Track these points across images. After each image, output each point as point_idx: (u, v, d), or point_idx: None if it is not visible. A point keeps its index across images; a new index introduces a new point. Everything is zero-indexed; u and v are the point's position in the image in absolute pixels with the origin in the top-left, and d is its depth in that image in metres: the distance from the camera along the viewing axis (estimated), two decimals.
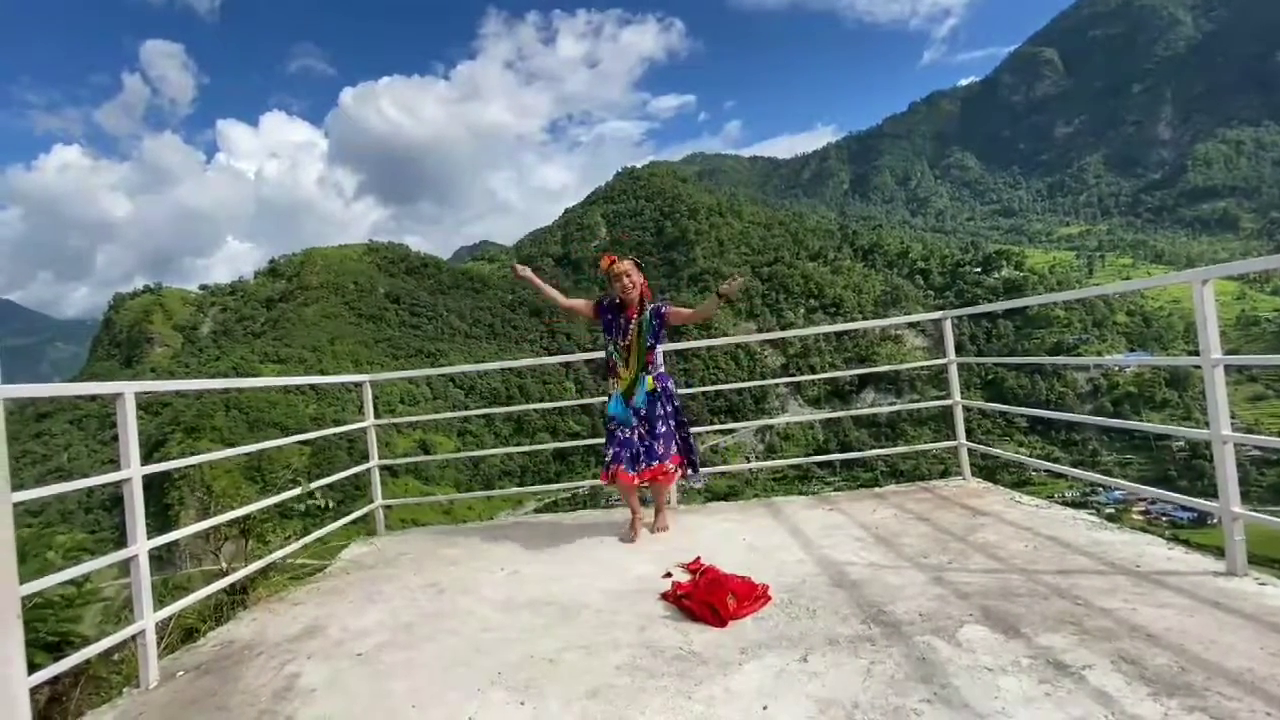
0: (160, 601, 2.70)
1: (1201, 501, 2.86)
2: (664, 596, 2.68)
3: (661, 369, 3.67)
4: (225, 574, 3.11)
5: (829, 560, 2.96)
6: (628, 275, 3.56)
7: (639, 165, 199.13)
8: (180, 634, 2.99)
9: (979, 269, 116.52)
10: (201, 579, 3.44)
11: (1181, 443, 65.03)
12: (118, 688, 2.36)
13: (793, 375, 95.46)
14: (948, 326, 4.21)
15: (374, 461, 4.35)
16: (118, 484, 2.33)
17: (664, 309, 3.61)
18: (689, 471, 3.75)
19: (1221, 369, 2.28)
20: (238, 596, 3.12)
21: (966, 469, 4.26)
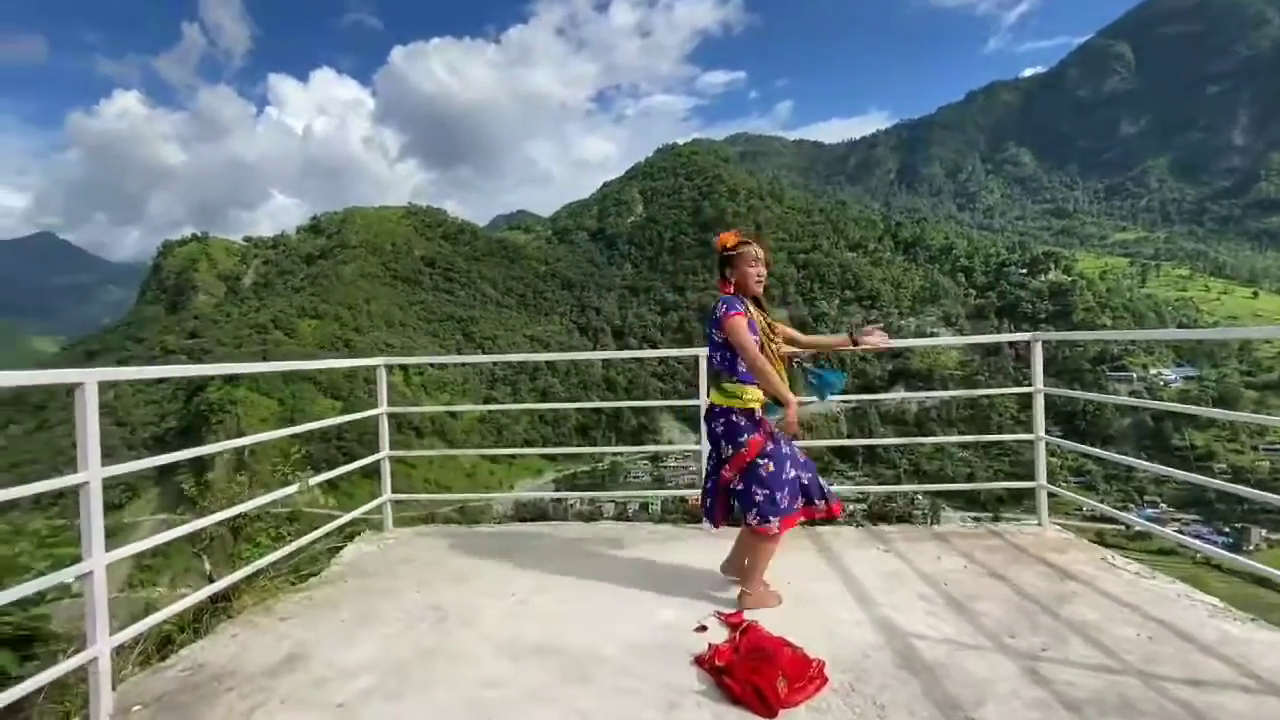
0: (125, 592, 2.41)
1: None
2: (698, 662, 2.27)
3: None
4: (210, 580, 2.80)
5: (893, 627, 2.52)
6: (768, 264, 2.81)
7: (681, 142, 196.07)
8: (156, 641, 2.69)
9: (1024, 270, 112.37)
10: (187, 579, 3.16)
11: (1224, 465, 62.18)
12: (67, 718, 2.05)
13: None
14: (1038, 350, 3.67)
15: (385, 452, 4.02)
16: (76, 487, 2.00)
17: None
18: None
19: None
20: (221, 605, 2.82)
21: (1044, 514, 3.74)
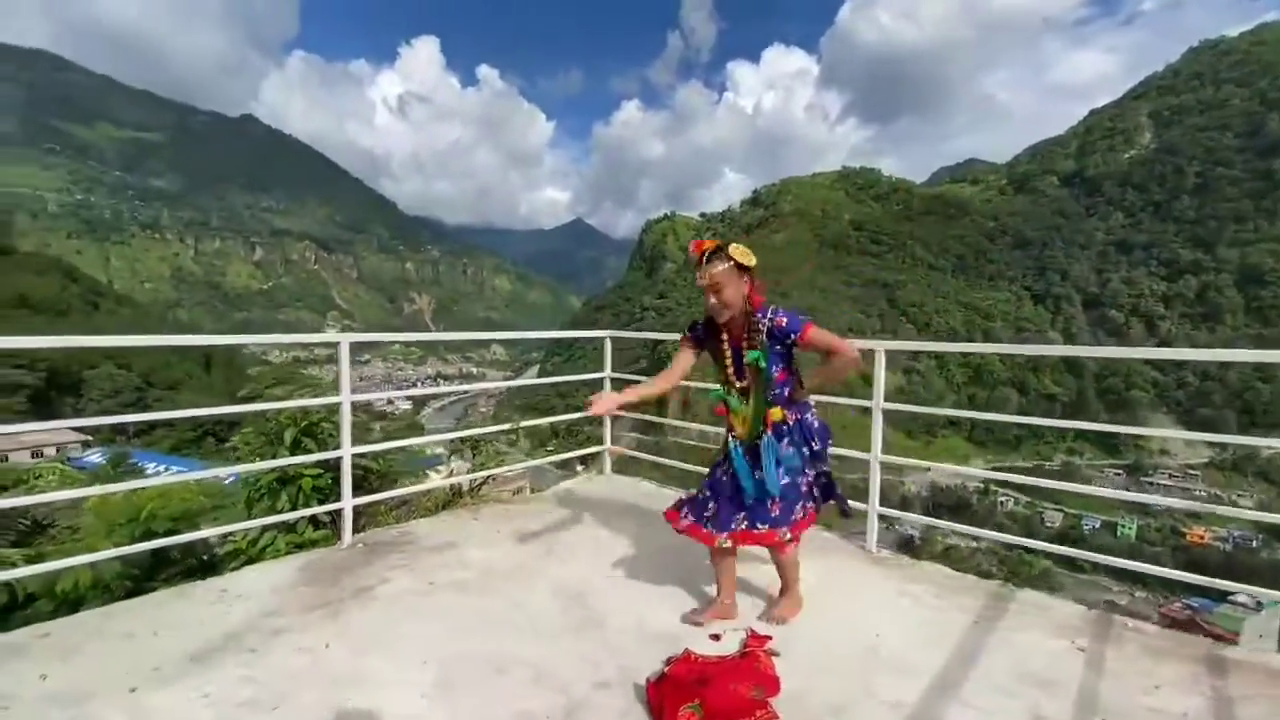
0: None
1: None
2: (649, 686, 2.03)
3: (796, 394, 2.45)
4: (452, 474, 4.04)
5: None
6: (716, 291, 2.30)
7: (1232, 34, 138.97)
8: (438, 502, 4.06)
9: None
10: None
11: None
12: (328, 540, 3.41)
13: None
14: None
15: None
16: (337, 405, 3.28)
17: (798, 327, 2.29)
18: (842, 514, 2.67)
19: None
20: (454, 498, 4.03)
21: None
